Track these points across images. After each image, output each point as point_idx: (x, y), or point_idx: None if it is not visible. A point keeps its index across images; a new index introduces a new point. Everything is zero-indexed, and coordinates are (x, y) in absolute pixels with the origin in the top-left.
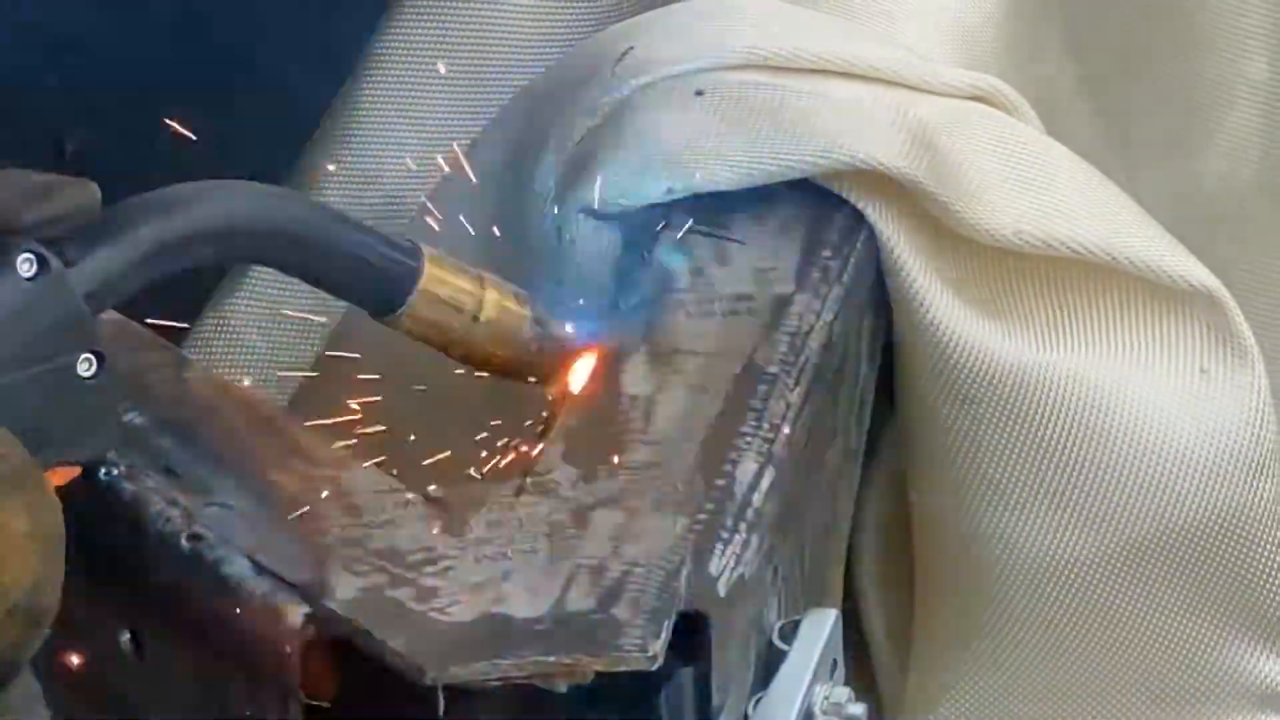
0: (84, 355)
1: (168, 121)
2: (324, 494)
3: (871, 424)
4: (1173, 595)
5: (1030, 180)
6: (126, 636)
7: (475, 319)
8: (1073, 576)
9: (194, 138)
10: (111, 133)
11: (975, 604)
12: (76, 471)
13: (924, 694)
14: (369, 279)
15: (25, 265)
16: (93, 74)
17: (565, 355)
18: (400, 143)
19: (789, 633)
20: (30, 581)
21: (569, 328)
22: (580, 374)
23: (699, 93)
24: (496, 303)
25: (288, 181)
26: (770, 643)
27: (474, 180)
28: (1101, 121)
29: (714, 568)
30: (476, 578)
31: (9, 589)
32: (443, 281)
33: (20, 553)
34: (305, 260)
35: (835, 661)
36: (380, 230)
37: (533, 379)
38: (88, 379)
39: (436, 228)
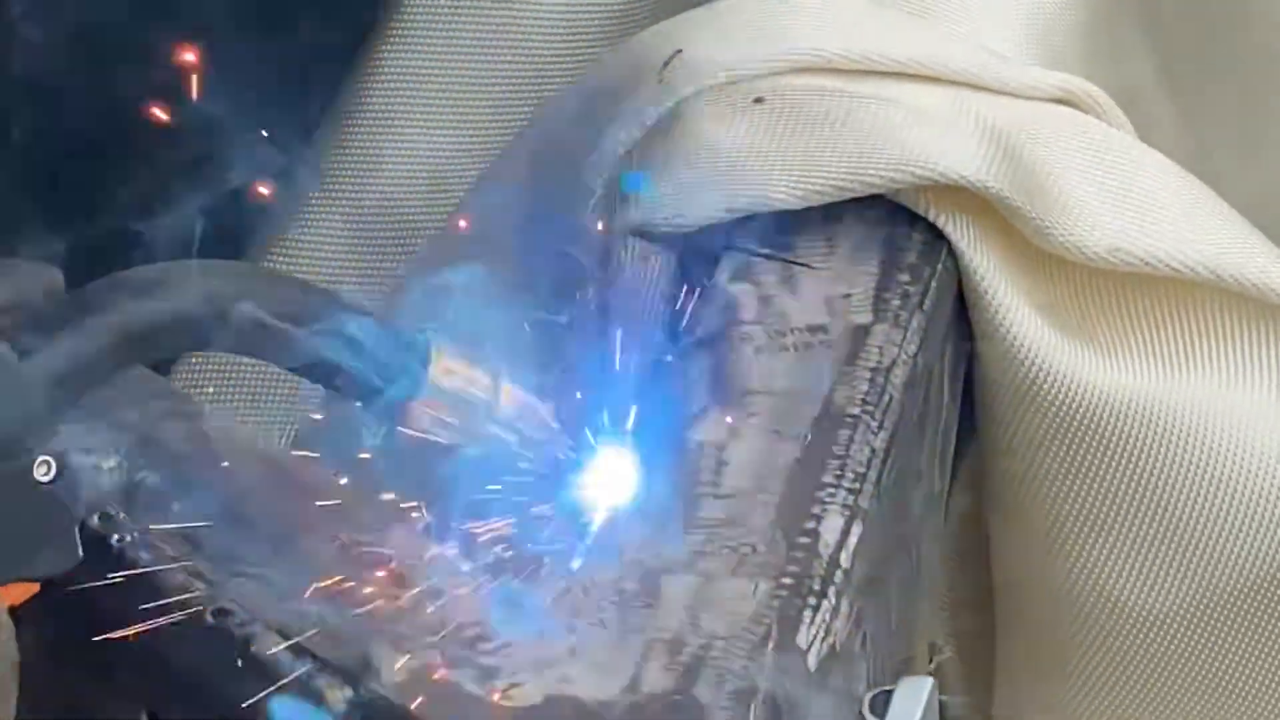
0: (41, 458)
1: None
2: (366, 561)
3: None
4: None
5: (1126, 192)
6: None
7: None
8: (1172, 622)
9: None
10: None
11: (1061, 651)
12: (34, 589)
13: None
14: (368, 372)
15: None
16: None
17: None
18: (411, 164)
19: (880, 705)
20: None
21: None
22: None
23: (758, 100)
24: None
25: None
26: (860, 716)
27: (499, 204)
28: (1183, 124)
29: (802, 638)
30: (540, 654)
31: None
32: (452, 373)
33: None
34: (292, 351)
35: None
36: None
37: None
38: (45, 484)
39: (453, 262)
